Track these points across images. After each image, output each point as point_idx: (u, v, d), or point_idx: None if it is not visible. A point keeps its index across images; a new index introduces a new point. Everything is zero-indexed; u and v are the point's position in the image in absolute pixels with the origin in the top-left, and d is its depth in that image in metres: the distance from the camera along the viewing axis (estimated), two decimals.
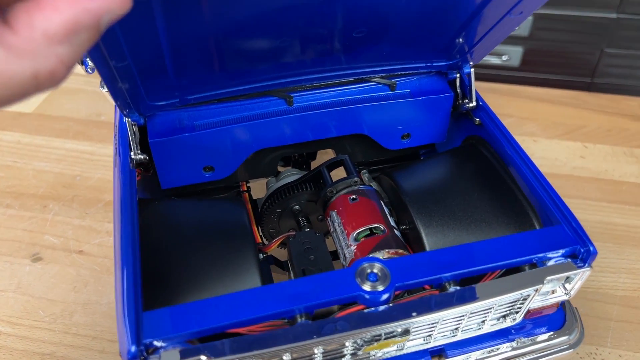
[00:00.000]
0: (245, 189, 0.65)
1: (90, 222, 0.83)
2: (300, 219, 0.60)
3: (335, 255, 0.57)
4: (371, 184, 0.62)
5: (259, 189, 0.71)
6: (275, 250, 0.58)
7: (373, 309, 0.42)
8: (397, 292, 0.44)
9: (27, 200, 0.86)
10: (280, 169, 0.67)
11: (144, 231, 0.49)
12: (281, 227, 0.61)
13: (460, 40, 0.52)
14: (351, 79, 0.57)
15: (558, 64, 1.69)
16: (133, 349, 0.38)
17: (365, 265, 0.43)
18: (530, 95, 1.10)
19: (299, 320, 0.41)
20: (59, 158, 0.94)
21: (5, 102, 0.27)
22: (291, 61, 0.52)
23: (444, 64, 0.57)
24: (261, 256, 0.53)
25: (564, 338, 0.50)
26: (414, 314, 0.41)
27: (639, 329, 0.70)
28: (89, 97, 1.07)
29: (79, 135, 0.99)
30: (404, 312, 0.42)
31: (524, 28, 1.60)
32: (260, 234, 0.60)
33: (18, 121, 1.01)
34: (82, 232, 0.81)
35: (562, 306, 0.52)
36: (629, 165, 0.94)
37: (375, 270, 0.43)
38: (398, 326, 0.42)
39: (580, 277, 0.46)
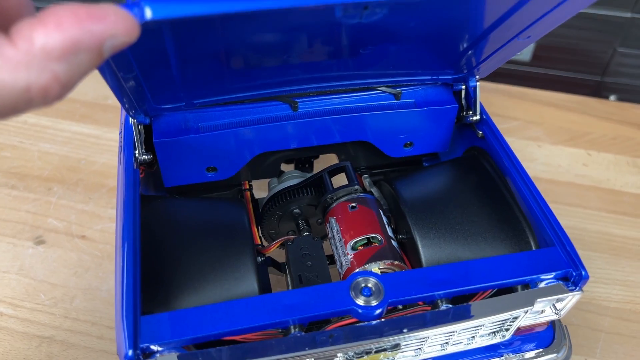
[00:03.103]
0: (247, 187, 0.65)
1: (94, 208, 0.84)
2: (300, 222, 0.61)
3: (332, 259, 0.57)
4: (372, 189, 0.63)
5: (262, 186, 0.72)
6: (274, 250, 0.59)
7: (366, 322, 0.43)
8: (390, 307, 0.45)
9: (32, 182, 0.87)
10: (284, 166, 0.68)
11: (145, 229, 0.50)
12: (281, 229, 0.61)
13: (467, 58, 0.52)
14: (356, 87, 0.58)
15: (569, 60, 1.68)
16: (130, 352, 0.39)
17: (360, 279, 0.44)
18: (538, 99, 1.09)
19: (292, 331, 0.42)
20: (64, 140, 0.95)
21: None
22: (297, 72, 0.52)
23: (449, 77, 0.57)
24: (259, 259, 0.54)
25: (552, 356, 0.51)
26: (404, 330, 0.43)
27: (629, 342, 0.71)
28: (96, 79, 1.05)
29: (85, 118, 0.99)
30: (395, 328, 0.43)
31: None
32: (260, 234, 0.61)
33: None
34: (85, 217, 0.82)
35: (552, 324, 0.53)
36: (631, 176, 0.94)
37: (369, 285, 0.44)
38: (389, 341, 0.43)
39: (570, 299, 0.47)
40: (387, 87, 0.58)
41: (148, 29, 0.30)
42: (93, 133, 0.96)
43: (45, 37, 0.25)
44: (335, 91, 0.58)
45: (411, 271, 0.46)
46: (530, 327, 0.50)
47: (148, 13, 0.29)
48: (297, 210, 0.60)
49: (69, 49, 0.26)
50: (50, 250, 0.78)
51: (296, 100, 0.56)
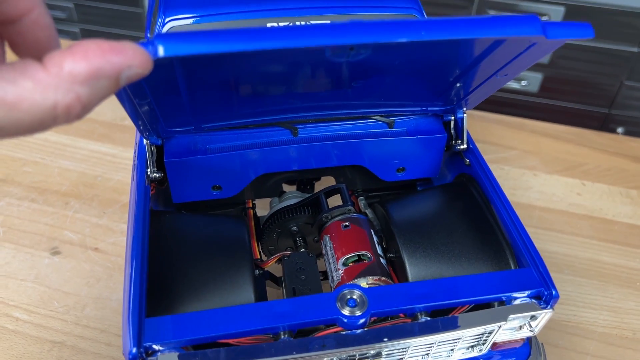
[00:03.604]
0: (251, 205, 0.70)
1: (107, 222, 0.89)
2: (297, 239, 0.65)
3: (326, 275, 0.62)
4: (366, 211, 0.67)
5: (266, 206, 0.76)
6: (272, 266, 0.63)
7: (350, 331, 0.47)
8: (374, 318, 0.49)
9: (51, 196, 0.92)
10: (286, 187, 0.73)
11: (153, 241, 0.54)
12: (279, 245, 0.66)
13: (452, 93, 0.56)
14: (352, 116, 0.62)
15: (577, 92, 1.72)
16: (134, 350, 0.43)
17: (346, 291, 0.48)
18: (536, 129, 1.13)
19: (282, 336, 0.46)
20: (83, 158, 1.00)
21: (26, 129, 0.31)
22: (296, 101, 0.57)
23: (438, 109, 0.62)
24: (257, 272, 0.58)
25: None
26: (385, 339, 0.46)
27: None
28: (115, 101, 1.12)
29: (103, 138, 1.04)
30: (377, 337, 0.47)
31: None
32: (260, 250, 0.65)
33: None
34: (99, 231, 0.87)
35: (529, 341, 0.56)
36: (623, 206, 0.97)
37: (354, 297, 0.48)
38: (371, 349, 0.47)
39: (543, 317, 0.50)
40: (380, 116, 0.63)
41: (161, 64, 0.35)
42: (110, 152, 1.02)
43: (73, 64, 0.30)
44: (332, 119, 0.63)
45: (394, 285, 0.50)
46: (508, 343, 0.54)
47: (160, 50, 0.34)
48: (294, 228, 0.64)
49: (91, 75, 0.31)
50: (65, 261, 0.82)
51: (296, 127, 0.61)
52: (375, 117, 0.63)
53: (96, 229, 0.88)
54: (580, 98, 1.71)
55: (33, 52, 0.35)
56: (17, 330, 0.74)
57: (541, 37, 0.39)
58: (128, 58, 0.32)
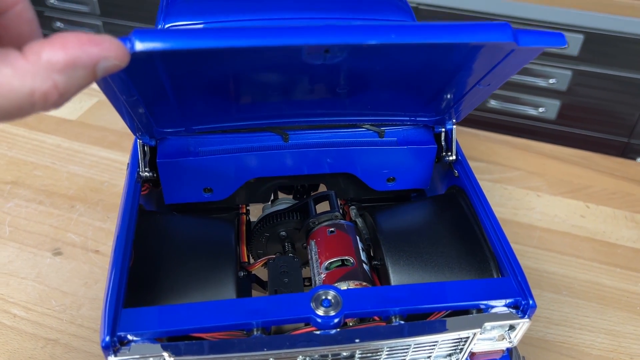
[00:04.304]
0: (245, 211, 0.71)
1: (110, 226, 0.91)
2: (285, 244, 0.66)
3: (311, 282, 0.62)
4: (357, 220, 0.68)
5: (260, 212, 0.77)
6: (260, 270, 0.64)
7: (323, 331, 0.47)
8: (353, 320, 0.49)
9: (58, 199, 0.95)
10: (283, 195, 0.74)
11: (142, 239, 0.56)
12: (268, 250, 0.67)
13: (438, 103, 0.57)
14: (342, 124, 0.63)
15: (595, 120, 1.70)
16: (107, 339, 0.44)
17: (321, 292, 0.49)
18: (542, 151, 1.13)
19: (254, 333, 0.47)
20: (91, 164, 1.03)
21: (4, 114, 0.32)
22: (283, 106, 0.58)
23: (427, 119, 0.63)
24: (241, 274, 0.59)
25: None
26: (357, 340, 0.47)
27: None
28: None
29: (113, 145, 1.08)
30: (349, 338, 0.47)
31: (561, 82, 1.63)
32: (249, 254, 0.66)
33: (62, 127, 1.12)
34: (101, 234, 0.89)
35: (509, 352, 0.55)
36: (627, 230, 0.96)
37: (329, 297, 0.48)
38: (343, 349, 0.47)
39: (520, 327, 0.50)
40: (371, 125, 0.64)
41: (141, 59, 0.37)
42: (118, 159, 1.05)
43: (51, 53, 0.32)
44: (324, 126, 0.64)
45: (370, 288, 0.50)
46: (487, 353, 0.53)
47: (137, 45, 0.36)
48: (283, 233, 0.65)
49: (68, 64, 0.32)
50: (66, 262, 0.84)
51: (287, 133, 0.63)
52: (366, 126, 0.64)
53: (99, 232, 0.90)
54: (599, 126, 1.70)
55: (16, 44, 0.37)
56: (13, 326, 0.75)
57: (512, 43, 0.40)
58: (105, 49, 0.33)
